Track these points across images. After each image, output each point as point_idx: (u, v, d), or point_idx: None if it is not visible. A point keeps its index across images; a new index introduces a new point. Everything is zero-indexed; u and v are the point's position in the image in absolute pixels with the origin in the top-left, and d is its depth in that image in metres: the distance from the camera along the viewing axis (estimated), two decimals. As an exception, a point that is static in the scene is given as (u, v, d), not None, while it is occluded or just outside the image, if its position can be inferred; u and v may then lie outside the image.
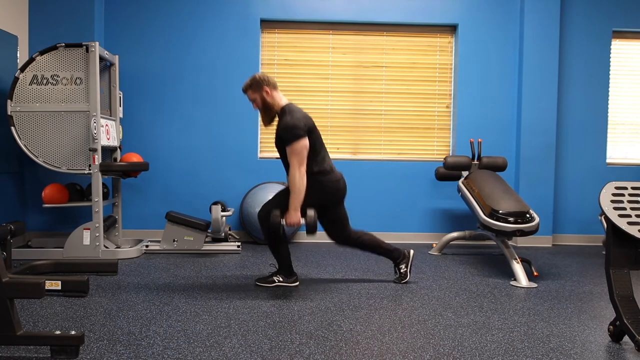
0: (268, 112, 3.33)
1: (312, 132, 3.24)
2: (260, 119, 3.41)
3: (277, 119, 3.37)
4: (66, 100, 4.13)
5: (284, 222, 3.21)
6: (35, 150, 4.12)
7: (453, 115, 5.43)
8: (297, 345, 2.36)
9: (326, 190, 3.31)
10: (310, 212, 3.19)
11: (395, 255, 3.57)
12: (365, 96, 5.40)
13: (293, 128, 3.15)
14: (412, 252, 3.62)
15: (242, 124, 5.22)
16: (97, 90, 4.11)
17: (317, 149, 3.28)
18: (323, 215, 3.43)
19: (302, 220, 3.22)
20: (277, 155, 3.36)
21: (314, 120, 3.35)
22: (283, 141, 3.21)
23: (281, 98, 3.35)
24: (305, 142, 3.17)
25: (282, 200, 3.30)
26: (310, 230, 3.20)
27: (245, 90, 3.36)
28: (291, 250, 4.56)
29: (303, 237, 5.26)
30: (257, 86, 3.30)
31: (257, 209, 4.84)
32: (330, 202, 3.37)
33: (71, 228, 4.42)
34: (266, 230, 3.34)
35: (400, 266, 3.58)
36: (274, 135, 3.35)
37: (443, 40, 5.44)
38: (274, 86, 3.33)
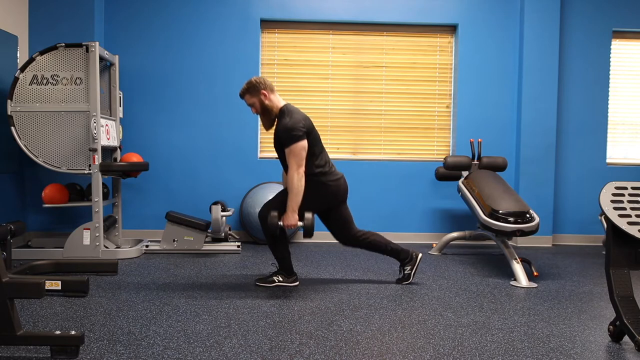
0: (267, 115, 3.31)
1: (310, 133, 3.24)
2: (262, 125, 3.41)
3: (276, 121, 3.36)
4: (66, 100, 4.13)
5: (282, 223, 3.21)
6: (35, 150, 4.12)
7: (453, 115, 5.43)
8: (297, 345, 2.36)
9: (326, 191, 3.31)
10: (308, 215, 3.19)
11: (403, 256, 3.55)
12: (365, 96, 5.40)
13: (292, 129, 3.14)
14: (420, 255, 3.59)
15: (242, 123, 5.22)
16: (97, 90, 4.11)
17: (315, 150, 3.27)
18: (326, 216, 3.42)
19: (300, 223, 3.22)
20: (277, 155, 3.37)
21: (312, 121, 3.35)
22: (282, 143, 3.20)
23: (279, 100, 3.34)
24: (304, 144, 3.16)
25: (282, 200, 3.29)
26: (307, 233, 3.20)
27: (242, 95, 3.34)
28: (291, 250, 4.56)
29: (303, 237, 5.25)
30: (254, 90, 3.29)
31: (257, 209, 4.84)
32: (332, 202, 3.37)
33: (71, 228, 4.42)
34: (268, 235, 3.34)
35: (406, 267, 3.56)
36: (273, 135, 3.35)
37: (443, 40, 5.44)
38: (271, 89, 3.31)
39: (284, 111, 3.26)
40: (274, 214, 3.19)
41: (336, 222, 3.43)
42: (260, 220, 3.34)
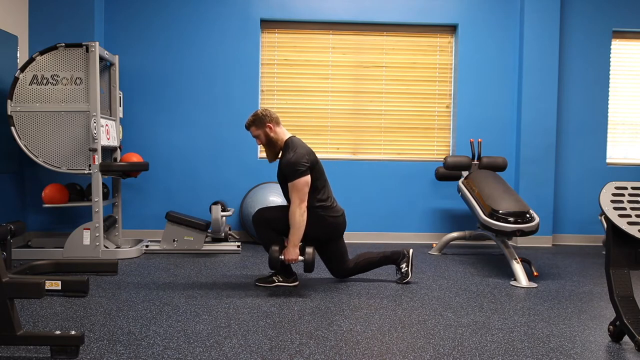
0: (272, 147, 3.35)
1: (314, 167, 3.26)
2: (266, 156, 3.44)
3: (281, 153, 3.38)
4: (66, 100, 4.13)
5: (283, 257, 3.23)
6: (35, 150, 4.12)
7: (453, 115, 5.43)
8: (297, 345, 2.36)
9: (325, 224, 3.33)
10: (309, 250, 3.21)
11: (395, 257, 3.58)
12: (365, 96, 5.40)
13: (296, 164, 3.16)
14: (411, 250, 3.61)
15: (242, 124, 5.20)
16: (97, 90, 4.11)
17: (318, 184, 3.29)
18: (323, 249, 3.46)
19: (301, 257, 3.24)
20: (280, 187, 3.41)
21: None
22: (285, 177, 3.23)
23: (284, 132, 3.37)
24: (307, 179, 3.19)
25: (278, 215, 3.30)
26: (308, 268, 3.23)
27: (248, 127, 3.37)
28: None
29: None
30: (260, 123, 3.32)
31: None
32: (330, 236, 3.40)
33: (71, 228, 4.41)
34: (260, 233, 3.36)
35: (401, 266, 3.58)
36: (277, 168, 3.37)
37: (443, 40, 5.44)
38: (276, 121, 3.34)
39: (289, 144, 3.29)
40: (275, 248, 3.22)
41: (332, 255, 3.47)
42: (254, 224, 3.36)
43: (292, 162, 3.17)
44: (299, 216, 3.17)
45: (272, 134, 3.32)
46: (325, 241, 3.42)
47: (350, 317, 2.79)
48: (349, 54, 5.38)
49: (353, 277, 3.69)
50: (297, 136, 3.46)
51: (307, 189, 3.19)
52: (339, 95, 5.38)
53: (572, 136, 5.41)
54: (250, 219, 4.90)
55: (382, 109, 5.41)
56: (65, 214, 4.96)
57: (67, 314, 2.75)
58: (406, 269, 3.56)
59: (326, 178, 3.40)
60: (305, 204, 3.19)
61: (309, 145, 3.41)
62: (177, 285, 3.40)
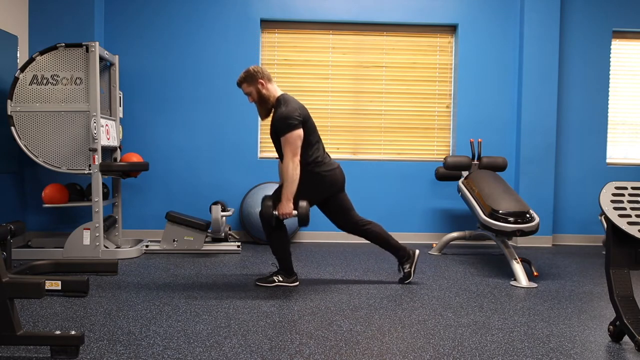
0: (264, 104, 3.32)
1: (306, 122, 3.23)
2: (258, 114, 3.41)
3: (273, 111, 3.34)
4: (66, 100, 4.13)
5: (277, 213, 3.21)
6: (35, 150, 4.12)
7: (453, 115, 5.43)
8: (297, 345, 2.36)
9: (322, 182, 3.29)
10: (303, 204, 3.18)
11: (401, 253, 3.53)
12: (365, 96, 5.40)
13: (287, 118, 3.14)
14: (417, 252, 3.58)
15: (242, 123, 5.22)
16: (97, 90, 4.11)
17: (311, 140, 3.26)
18: (325, 206, 3.41)
19: (295, 212, 3.21)
20: (277, 155, 3.38)
21: (309, 111, 3.34)
22: (277, 132, 3.20)
23: (276, 89, 3.35)
24: (299, 133, 3.16)
25: (280, 194, 3.29)
26: (302, 222, 3.19)
27: (239, 84, 3.34)
28: (291, 250, 4.56)
29: (303, 237, 5.26)
30: (251, 79, 3.30)
31: (257, 209, 4.84)
32: (328, 193, 3.35)
33: (71, 228, 4.42)
34: (265, 227, 3.34)
35: (405, 266, 3.55)
36: (270, 125, 3.34)
37: (443, 40, 5.44)
38: (268, 78, 3.32)
39: (281, 100, 3.27)
40: (268, 203, 3.21)
41: (335, 211, 3.41)
42: (261, 218, 3.34)
43: (284, 116, 3.15)
44: (292, 170, 3.14)
45: (264, 91, 3.29)
46: (326, 199, 3.36)
47: (350, 317, 2.79)
48: (349, 54, 5.38)
49: (353, 276, 3.69)
50: None
51: (299, 143, 3.16)
52: (339, 95, 5.39)
53: (572, 136, 5.41)
54: (250, 219, 4.90)
55: (382, 109, 5.41)
56: (65, 214, 4.96)
57: (67, 314, 2.75)
58: (409, 269, 3.54)
59: (319, 135, 3.36)
60: (298, 157, 3.16)
61: None
62: (177, 285, 3.40)
